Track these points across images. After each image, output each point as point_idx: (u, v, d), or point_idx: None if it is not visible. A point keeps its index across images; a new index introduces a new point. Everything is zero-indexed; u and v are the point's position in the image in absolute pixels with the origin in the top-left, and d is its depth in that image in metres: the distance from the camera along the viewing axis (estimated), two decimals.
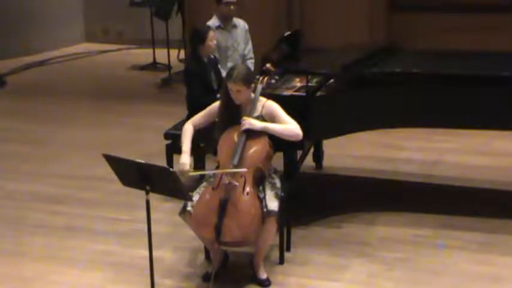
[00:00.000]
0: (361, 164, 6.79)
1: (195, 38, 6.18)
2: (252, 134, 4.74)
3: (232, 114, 4.86)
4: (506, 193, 6.10)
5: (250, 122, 4.75)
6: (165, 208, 5.68)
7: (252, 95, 4.90)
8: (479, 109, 5.41)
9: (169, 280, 4.84)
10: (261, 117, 4.84)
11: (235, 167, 4.62)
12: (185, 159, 4.82)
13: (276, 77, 5.51)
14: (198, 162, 6.06)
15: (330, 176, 6.62)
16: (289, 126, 4.79)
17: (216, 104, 4.97)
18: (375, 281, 4.80)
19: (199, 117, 5.00)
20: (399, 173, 6.57)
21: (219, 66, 6.48)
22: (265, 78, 5.08)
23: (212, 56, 6.31)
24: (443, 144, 7.22)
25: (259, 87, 4.96)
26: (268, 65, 5.23)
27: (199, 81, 6.05)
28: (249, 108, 4.85)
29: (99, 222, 5.78)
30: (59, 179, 6.73)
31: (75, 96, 9.76)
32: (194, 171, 4.92)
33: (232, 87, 4.77)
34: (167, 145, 6.16)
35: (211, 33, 6.15)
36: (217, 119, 4.93)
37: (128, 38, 12.82)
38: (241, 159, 4.65)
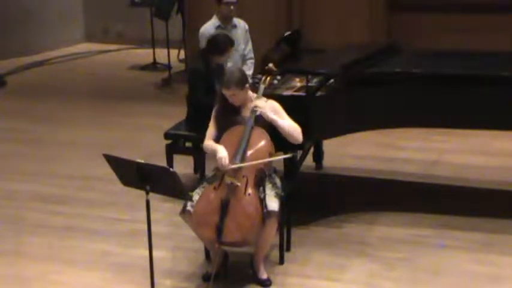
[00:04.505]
0: (361, 164, 6.79)
1: (214, 47, 6.06)
2: (254, 134, 4.75)
3: (231, 114, 4.87)
4: (506, 193, 6.10)
5: (263, 105, 4.75)
6: (165, 208, 5.68)
7: (255, 94, 4.91)
8: (479, 109, 5.42)
9: (169, 280, 4.84)
10: (261, 117, 4.84)
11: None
12: (223, 153, 4.67)
13: (278, 77, 5.51)
14: (198, 162, 6.06)
15: (330, 176, 6.62)
16: (294, 127, 4.81)
17: (215, 109, 4.97)
18: (375, 281, 4.81)
19: (211, 129, 4.95)
20: (399, 173, 6.57)
21: None
22: (268, 78, 5.09)
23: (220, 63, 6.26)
24: (443, 144, 7.22)
25: (262, 87, 4.97)
26: (270, 65, 5.23)
27: (203, 83, 6.02)
28: (248, 107, 4.85)
29: (99, 222, 5.78)
30: (59, 179, 6.73)
31: (75, 96, 9.76)
32: (235, 164, 4.69)
33: (226, 92, 4.79)
34: (167, 145, 6.16)
35: (231, 50, 6.11)
36: (218, 120, 4.93)
37: (128, 38, 12.82)
38: (243, 158, 4.66)
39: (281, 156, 4.68)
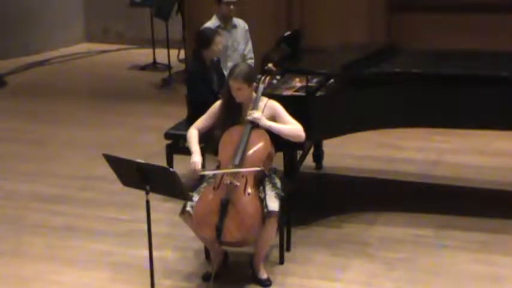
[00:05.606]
0: (361, 164, 6.79)
1: (200, 40, 6.10)
2: (254, 134, 4.75)
3: (233, 113, 4.87)
4: (506, 193, 6.10)
5: (259, 116, 4.76)
6: (165, 208, 5.68)
7: (254, 94, 4.92)
8: (479, 109, 5.41)
9: (169, 280, 4.85)
10: None
11: (237, 167, 4.63)
12: (196, 158, 4.78)
13: (277, 77, 5.51)
14: None
15: (330, 176, 6.62)
16: (293, 127, 4.81)
17: (217, 105, 4.98)
18: (375, 281, 4.81)
19: (201, 121, 4.99)
20: (399, 173, 6.57)
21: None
22: (267, 78, 5.09)
23: (215, 58, 6.26)
24: (443, 144, 7.22)
25: (261, 87, 4.98)
26: (270, 65, 5.23)
27: (201, 83, 6.01)
28: (250, 107, 4.86)
29: (99, 222, 5.78)
30: (59, 179, 6.73)
31: (75, 96, 9.76)
32: (205, 171, 4.87)
33: (233, 84, 4.79)
34: (167, 145, 6.16)
35: (217, 38, 6.07)
36: (217, 119, 4.93)
37: (128, 38, 12.82)
38: (242, 159, 4.66)
39: (251, 169, 4.66)
